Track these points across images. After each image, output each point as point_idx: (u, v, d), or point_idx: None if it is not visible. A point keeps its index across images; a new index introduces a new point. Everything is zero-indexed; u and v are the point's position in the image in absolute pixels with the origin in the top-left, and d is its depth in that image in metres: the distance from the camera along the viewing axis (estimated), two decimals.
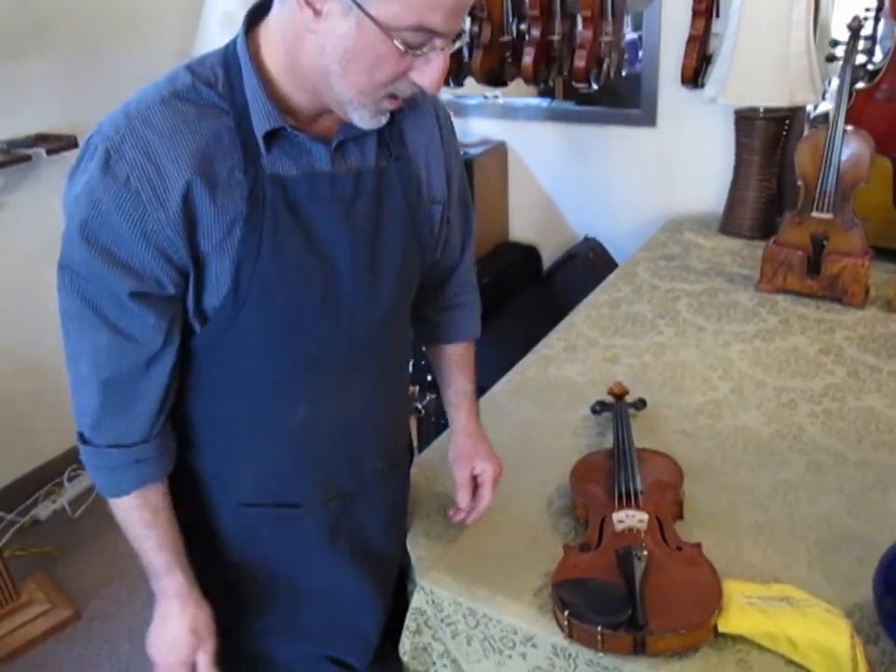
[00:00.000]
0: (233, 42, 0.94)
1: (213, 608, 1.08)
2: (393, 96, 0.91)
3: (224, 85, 0.92)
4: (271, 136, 0.93)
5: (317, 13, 0.83)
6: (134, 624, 2.23)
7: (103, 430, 0.99)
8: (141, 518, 1.02)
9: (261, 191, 0.93)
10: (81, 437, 1.01)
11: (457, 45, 0.91)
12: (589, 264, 2.97)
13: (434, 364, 1.34)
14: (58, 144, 2.40)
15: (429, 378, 2.85)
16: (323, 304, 1.01)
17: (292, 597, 1.19)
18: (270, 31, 0.92)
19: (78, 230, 0.88)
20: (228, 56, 0.93)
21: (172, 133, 0.88)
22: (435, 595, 1.21)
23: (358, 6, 0.81)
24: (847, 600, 1.12)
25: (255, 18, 0.94)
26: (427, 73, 0.88)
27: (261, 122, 0.91)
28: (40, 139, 2.42)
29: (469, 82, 2.98)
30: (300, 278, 0.98)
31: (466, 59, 2.89)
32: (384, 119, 0.95)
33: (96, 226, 0.88)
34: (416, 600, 1.24)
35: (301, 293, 0.98)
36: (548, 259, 3.26)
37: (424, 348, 1.35)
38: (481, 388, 1.49)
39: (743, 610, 1.07)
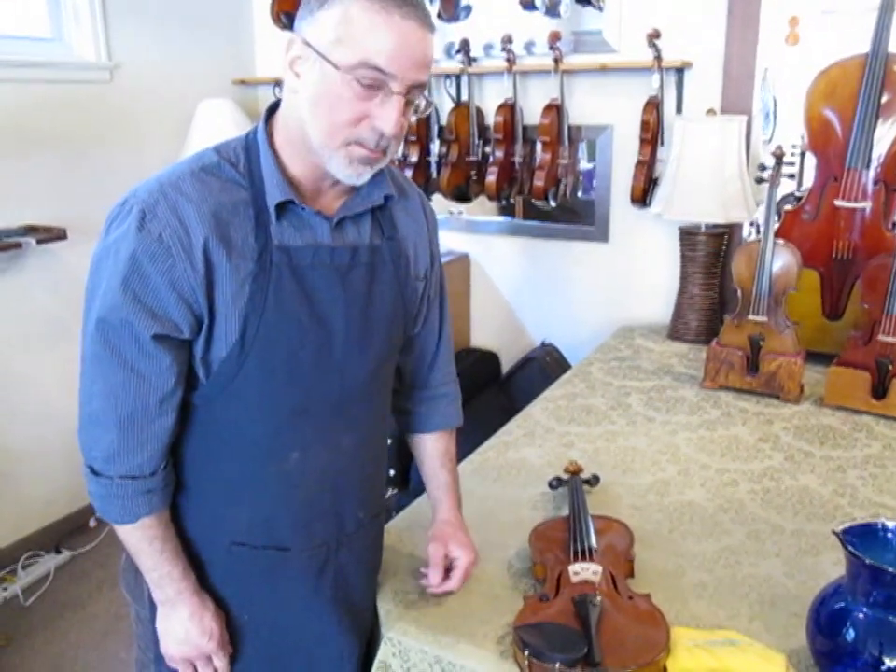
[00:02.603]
0: (254, 130, 1.11)
1: None
2: (360, 144, 1.03)
3: (244, 165, 1.08)
4: (280, 208, 1.07)
5: (298, 75, 1.02)
6: None
7: (118, 464, 1.07)
8: (155, 536, 1.11)
9: (269, 256, 1.06)
10: (91, 470, 1.09)
11: (421, 104, 1.06)
12: (546, 368, 3.11)
13: (417, 457, 1.43)
14: (47, 235, 2.53)
15: (392, 473, 2.92)
16: (317, 358, 1.12)
17: (274, 642, 1.24)
18: (279, 117, 1.10)
19: (114, 277, 1.00)
20: (249, 142, 1.10)
21: (198, 200, 1.02)
22: (402, 644, 1.27)
23: (319, 53, 0.98)
24: (784, 646, 1.21)
25: (272, 111, 1.11)
26: (384, 116, 1.01)
27: (274, 194, 1.06)
28: (30, 230, 2.55)
29: (437, 199, 3.21)
30: (298, 333, 1.10)
31: (434, 176, 3.14)
32: (363, 173, 1.06)
33: (130, 274, 1.00)
34: (382, 653, 1.30)
35: (299, 347, 1.10)
36: (507, 363, 3.40)
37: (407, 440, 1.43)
38: None
39: (689, 651, 1.15)
